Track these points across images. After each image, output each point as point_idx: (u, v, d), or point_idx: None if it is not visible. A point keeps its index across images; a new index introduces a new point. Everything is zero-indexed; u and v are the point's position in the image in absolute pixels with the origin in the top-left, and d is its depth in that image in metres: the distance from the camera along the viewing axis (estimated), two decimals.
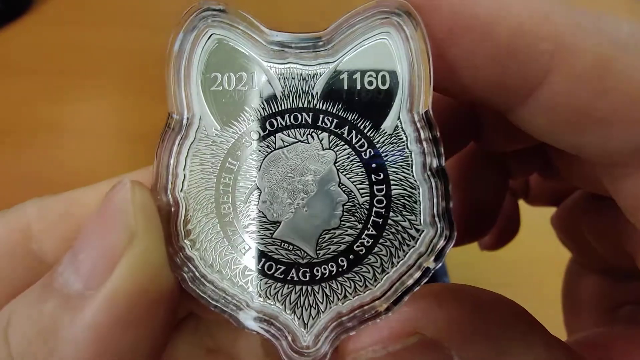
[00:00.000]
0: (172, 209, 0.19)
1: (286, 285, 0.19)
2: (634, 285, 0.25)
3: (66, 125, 0.57)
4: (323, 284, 0.19)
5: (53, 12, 0.66)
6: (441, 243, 0.18)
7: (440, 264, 0.18)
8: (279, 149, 0.19)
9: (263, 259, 0.19)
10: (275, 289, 0.19)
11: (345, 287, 0.19)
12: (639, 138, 0.16)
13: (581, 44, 0.16)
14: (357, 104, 0.19)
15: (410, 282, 0.18)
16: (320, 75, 0.19)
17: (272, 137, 0.19)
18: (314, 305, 0.19)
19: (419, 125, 0.18)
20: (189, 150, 0.19)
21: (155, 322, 0.18)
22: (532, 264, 0.38)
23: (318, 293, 0.19)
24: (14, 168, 0.54)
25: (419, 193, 0.18)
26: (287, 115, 0.19)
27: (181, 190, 0.19)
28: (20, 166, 0.55)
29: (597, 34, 0.16)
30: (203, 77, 0.19)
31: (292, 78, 0.19)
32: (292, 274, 0.19)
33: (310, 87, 0.19)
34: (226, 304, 0.19)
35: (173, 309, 0.18)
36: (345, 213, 0.19)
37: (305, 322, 0.19)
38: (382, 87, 0.19)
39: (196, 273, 0.19)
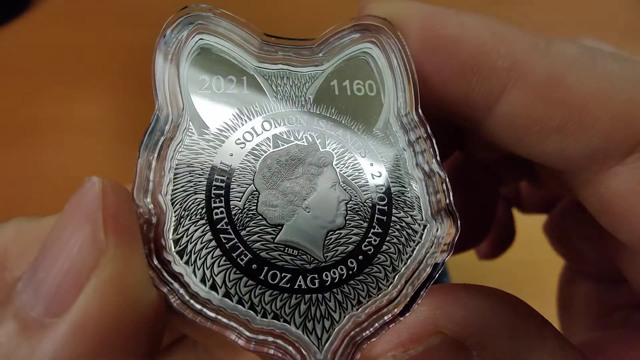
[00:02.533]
0: (156, 216, 0.16)
1: (294, 296, 0.17)
2: (625, 289, 0.26)
3: (66, 125, 0.55)
4: (334, 290, 0.17)
5: (52, 11, 0.64)
6: (446, 235, 0.18)
7: (448, 257, 0.18)
8: (275, 149, 0.18)
9: (265, 268, 0.17)
10: (281, 300, 0.16)
11: (358, 290, 0.17)
12: (591, 143, 0.18)
13: (535, 61, 0.18)
14: (349, 109, 0.19)
15: (423, 278, 0.17)
16: (312, 81, 0.19)
17: (267, 137, 0.18)
18: (326, 316, 0.17)
19: (408, 127, 0.19)
20: (175, 150, 0.17)
21: (133, 353, 0.14)
22: (530, 266, 0.39)
23: (330, 301, 0.17)
24: (14, 168, 0.52)
25: (417, 189, 0.19)
26: (281, 117, 0.19)
27: (166, 195, 0.17)
28: (19, 166, 0.52)
29: (549, 53, 0.18)
30: (190, 80, 0.18)
31: (285, 82, 0.19)
32: (300, 281, 0.17)
33: (303, 92, 0.19)
34: (224, 323, 0.16)
35: (157, 332, 0.15)
36: (349, 212, 0.18)
37: (319, 336, 0.16)
38: (369, 94, 0.20)
39: (186, 290, 0.16)
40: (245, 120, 0.18)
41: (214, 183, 0.17)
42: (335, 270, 0.17)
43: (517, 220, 0.34)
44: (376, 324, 0.17)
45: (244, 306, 0.16)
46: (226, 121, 0.18)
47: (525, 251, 0.34)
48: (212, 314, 0.16)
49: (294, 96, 0.19)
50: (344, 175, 0.18)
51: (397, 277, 0.17)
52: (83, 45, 0.61)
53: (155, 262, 0.16)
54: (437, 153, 0.19)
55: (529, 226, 0.34)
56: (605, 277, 0.28)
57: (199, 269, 0.16)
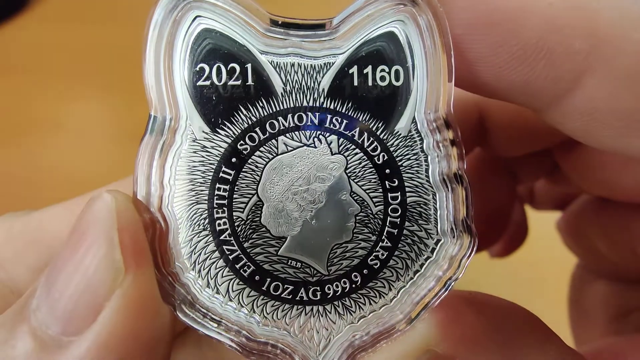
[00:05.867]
0: (158, 228, 0.16)
1: (295, 307, 0.17)
2: None
3: (65, 124, 0.56)
4: (335, 303, 0.17)
5: (50, 10, 0.64)
6: (461, 253, 0.17)
7: (460, 276, 0.17)
8: (282, 154, 0.17)
9: (268, 279, 0.17)
10: (282, 311, 0.17)
11: (360, 304, 0.17)
12: None
13: (624, 39, 0.14)
14: (369, 103, 0.17)
15: (428, 296, 0.17)
16: (327, 69, 0.17)
17: (273, 140, 0.17)
18: (326, 327, 0.17)
19: (436, 126, 0.17)
20: (174, 157, 0.16)
21: None
22: (532, 265, 0.39)
23: (330, 313, 0.17)
24: (11, 167, 0.53)
25: (436, 200, 0.17)
26: (289, 116, 0.17)
27: (167, 205, 0.16)
28: (17, 165, 0.53)
29: None
30: (187, 70, 0.16)
31: (295, 72, 0.17)
32: (301, 293, 0.17)
33: (316, 83, 0.17)
34: (228, 331, 0.17)
35: (171, 341, 0.16)
36: (357, 224, 0.17)
37: (318, 345, 0.17)
38: (395, 84, 0.17)
39: (191, 299, 0.16)
40: (250, 120, 0.17)
41: (216, 193, 0.16)
42: (338, 283, 0.17)
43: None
44: (373, 338, 0.17)
45: (246, 315, 0.17)
46: (228, 121, 0.16)
47: (530, 249, 0.32)
48: (215, 324, 0.17)
49: (305, 88, 0.17)
50: (356, 183, 0.17)
51: (401, 292, 0.17)
52: (81, 45, 0.59)
53: (162, 274, 0.16)
54: (465, 161, 0.17)
55: (536, 223, 0.32)
56: (622, 277, 0.26)
57: (203, 279, 0.17)
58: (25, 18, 0.64)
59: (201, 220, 0.16)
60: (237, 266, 0.17)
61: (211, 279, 0.17)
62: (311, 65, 0.17)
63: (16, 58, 0.61)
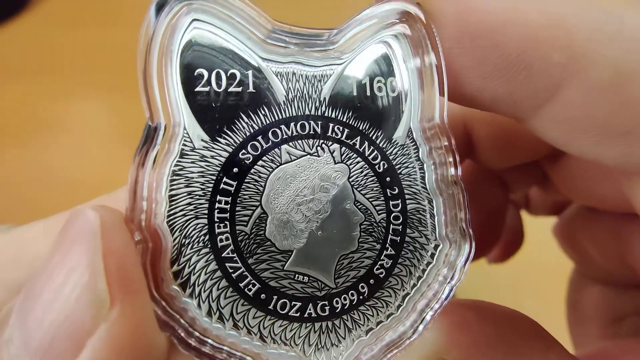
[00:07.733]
0: (152, 247, 0.14)
1: (304, 325, 0.16)
2: (636, 295, 0.26)
3: (65, 125, 0.55)
4: (344, 316, 0.16)
5: (50, 11, 0.63)
6: (460, 257, 0.17)
7: (461, 280, 0.18)
8: (285, 163, 0.16)
9: (275, 297, 0.16)
10: (291, 330, 0.16)
11: (368, 315, 0.17)
12: None
13: (599, 52, 0.15)
14: (367, 112, 0.17)
15: (433, 302, 0.17)
16: (328, 78, 0.17)
17: (276, 149, 0.16)
18: (336, 343, 0.16)
19: (431, 135, 0.18)
20: (170, 167, 0.15)
21: None
22: (533, 269, 0.40)
23: (340, 328, 0.16)
24: (11, 168, 0.52)
25: (433, 206, 0.18)
26: (292, 124, 0.16)
27: (163, 221, 0.15)
28: (18, 166, 0.52)
29: (619, 39, 0.15)
30: (185, 75, 0.15)
31: (297, 80, 0.16)
32: (310, 310, 0.16)
33: (317, 92, 0.17)
34: (233, 358, 0.15)
35: None
36: (362, 233, 0.17)
37: None
38: (391, 94, 0.17)
39: (192, 327, 0.15)
40: (252, 128, 0.16)
41: (217, 205, 0.15)
42: (345, 295, 0.16)
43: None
44: (383, 350, 0.17)
45: (252, 339, 0.15)
46: (229, 130, 0.16)
47: (528, 253, 0.34)
48: (221, 347, 0.15)
49: (307, 97, 0.16)
50: (359, 192, 0.17)
51: (407, 300, 0.17)
52: (81, 45, 0.59)
53: (157, 298, 0.14)
54: (459, 167, 0.18)
55: (533, 228, 0.34)
56: (615, 282, 0.27)
57: (204, 302, 0.15)
58: (25, 18, 0.62)
59: (201, 236, 0.15)
60: (241, 285, 0.15)
61: (212, 302, 0.15)
62: (312, 74, 0.16)
63: (16, 59, 0.59)
